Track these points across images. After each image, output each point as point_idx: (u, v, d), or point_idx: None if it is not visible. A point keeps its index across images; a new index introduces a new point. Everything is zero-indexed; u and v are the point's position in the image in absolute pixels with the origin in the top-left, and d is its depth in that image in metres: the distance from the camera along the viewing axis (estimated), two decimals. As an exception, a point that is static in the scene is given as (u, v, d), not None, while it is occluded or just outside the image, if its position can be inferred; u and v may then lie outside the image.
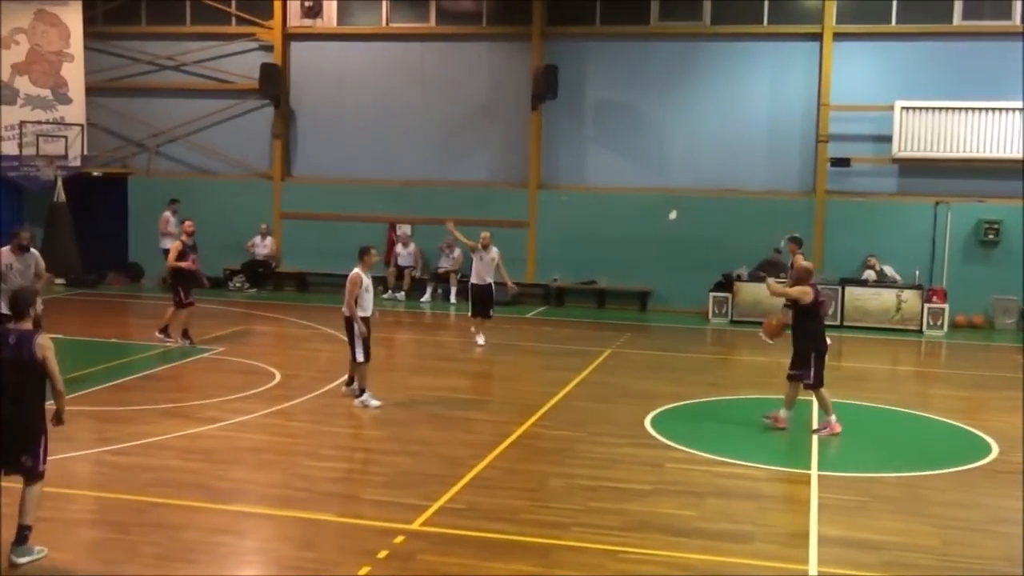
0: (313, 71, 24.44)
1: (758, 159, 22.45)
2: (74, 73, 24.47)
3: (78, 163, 24.22)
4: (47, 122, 24.09)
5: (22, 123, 23.72)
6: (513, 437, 11.74)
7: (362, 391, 13.06)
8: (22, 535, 7.80)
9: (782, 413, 12.28)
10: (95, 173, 24.78)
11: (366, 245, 13.43)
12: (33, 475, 7.87)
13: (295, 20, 24.30)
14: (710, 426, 12.61)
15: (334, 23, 24.23)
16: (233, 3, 24.57)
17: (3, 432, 7.75)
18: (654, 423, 12.50)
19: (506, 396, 14.08)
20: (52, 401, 7.94)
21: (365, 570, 7.77)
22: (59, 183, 23.39)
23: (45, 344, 7.78)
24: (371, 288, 13.12)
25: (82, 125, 24.40)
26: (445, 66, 23.83)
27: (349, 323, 13.01)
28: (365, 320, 13.00)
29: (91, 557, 8.09)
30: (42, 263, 14.00)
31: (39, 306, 8.13)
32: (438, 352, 17.63)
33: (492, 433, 11.84)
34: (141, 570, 7.75)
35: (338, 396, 13.57)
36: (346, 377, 13.69)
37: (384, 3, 23.90)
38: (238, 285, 24.00)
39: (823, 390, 12.14)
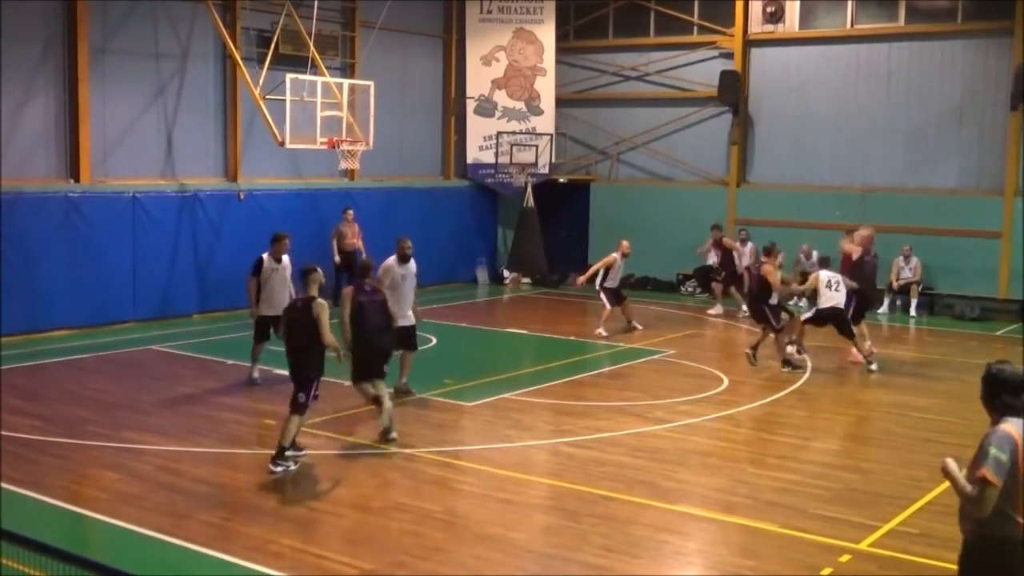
0: (772, 76, 24.18)
1: None
2: (546, 86, 26.11)
3: (546, 170, 25.79)
4: (520, 132, 25.90)
5: (498, 134, 25.69)
6: (976, 463, 10.88)
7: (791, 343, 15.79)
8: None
9: None
10: (561, 180, 26.25)
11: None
12: (299, 408, 10.12)
13: (756, 26, 24.20)
14: None
15: (796, 27, 23.83)
16: (695, 12, 24.96)
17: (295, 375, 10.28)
18: None
19: (970, 418, 13.06)
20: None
21: (808, 585, 7.60)
22: (528, 189, 25.05)
23: (320, 305, 10.06)
24: None
25: (551, 135, 25.97)
26: (914, 66, 22.56)
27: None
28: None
29: (543, 540, 8.60)
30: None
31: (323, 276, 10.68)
32: (895, 368, 16.67)
33: (952, 456, 11.03)
34: (590, 558, 8.11)
35: (786, 407, 13.38)
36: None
37: (849, 4, 23.13)
38: (690, 290, 24.34)
39: None
